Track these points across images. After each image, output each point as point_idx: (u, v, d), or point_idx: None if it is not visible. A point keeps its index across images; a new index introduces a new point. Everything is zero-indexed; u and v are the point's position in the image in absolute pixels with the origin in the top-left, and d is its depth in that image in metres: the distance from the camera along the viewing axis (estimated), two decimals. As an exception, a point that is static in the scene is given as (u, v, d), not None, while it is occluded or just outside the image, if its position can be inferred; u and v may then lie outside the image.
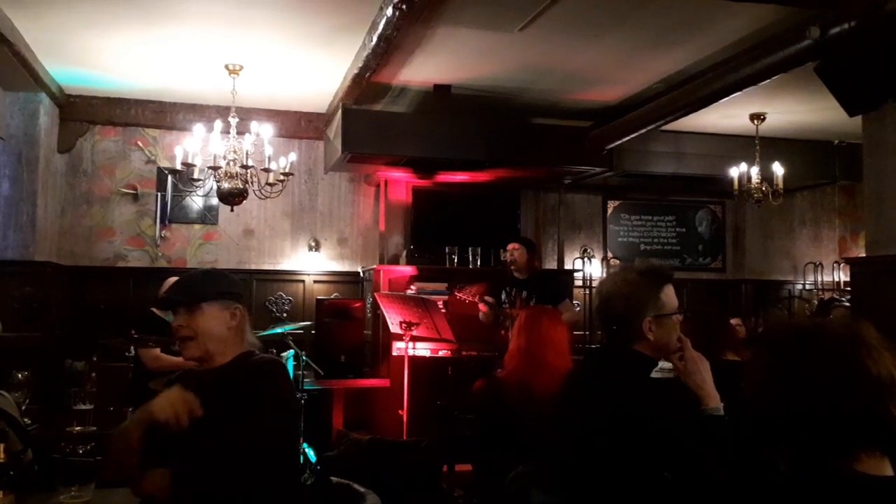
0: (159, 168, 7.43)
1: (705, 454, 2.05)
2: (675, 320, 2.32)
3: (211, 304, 2.36)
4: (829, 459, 1.37)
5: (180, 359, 5.09)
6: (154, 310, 5.56)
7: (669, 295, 2.32)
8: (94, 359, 5.92)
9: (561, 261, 8.33)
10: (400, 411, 5.72)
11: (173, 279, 5.65)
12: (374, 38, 5.09)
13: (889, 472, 1.38)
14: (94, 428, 4.55)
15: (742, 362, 3.33)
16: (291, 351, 5.98)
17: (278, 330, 6.18)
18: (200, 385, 2.25)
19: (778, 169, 7.07)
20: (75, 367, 6.31)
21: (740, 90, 5.38)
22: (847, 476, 1.34)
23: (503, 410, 3.44)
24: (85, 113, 7.22)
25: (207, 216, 7.58)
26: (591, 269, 8.61)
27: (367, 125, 6.74)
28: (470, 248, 7.61)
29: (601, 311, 2.40)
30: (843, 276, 8.61)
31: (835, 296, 8.05)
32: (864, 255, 5.28)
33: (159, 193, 7.41)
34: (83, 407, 4.54)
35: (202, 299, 2.36)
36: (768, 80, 5.16)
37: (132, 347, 5.36)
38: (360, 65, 5.64)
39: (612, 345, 2.40)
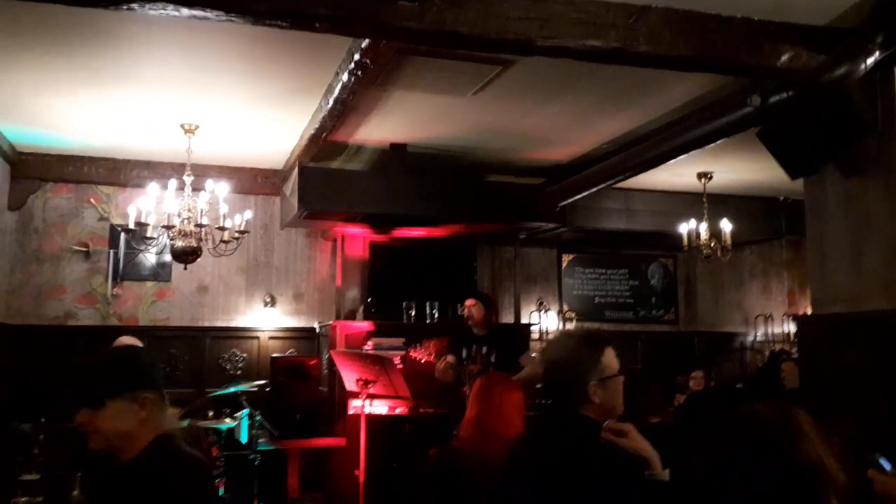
0: (112, 225, 7.34)
1: None
2: (618, 381, 2.40)
3: (116, 400, 2.17)
4: None
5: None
6: None
7: (610, 357, 2.41)
8: (42, 420, 5.76)
9: (517, 314, 8.39)
10: (356, 472, 5.65)
11: (125, 338, 5.58)
12: (331, 101, 5.14)
13: None
14: (41, 499, 4.40)
15: (664, 423, 3.41)
16: (246, 410, 5.90)
17: (232, 389, 6.11)
18: (114, 475, 2.17)
19: (726, 225, 7.26)
20: (22, 430, 6.12)
21: (687, 152, 5.55)
22: None
23: (456, 478, 3.45)
24: (37, 170, 7.14)
25: (160, 273, 7.49)
26: (547, 322, 8.67)
27: (323, 182, 6.76)
28: (427, 303, 7.65)
29: (546, 377, 2.48)
30: (792, 327, 8.79)
31: (784, 348, 8.21)
32: (809, 310, 5.42)
33: (111, 251, 7.30)
34: (30, 477, 4.39)
35: (105, 397, 2.16)
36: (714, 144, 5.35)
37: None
38: (317, 125, 5.69)
39: (559, 410, 2.45)
